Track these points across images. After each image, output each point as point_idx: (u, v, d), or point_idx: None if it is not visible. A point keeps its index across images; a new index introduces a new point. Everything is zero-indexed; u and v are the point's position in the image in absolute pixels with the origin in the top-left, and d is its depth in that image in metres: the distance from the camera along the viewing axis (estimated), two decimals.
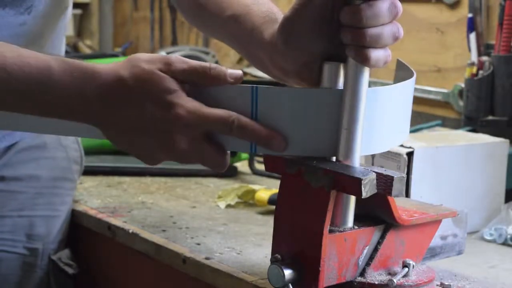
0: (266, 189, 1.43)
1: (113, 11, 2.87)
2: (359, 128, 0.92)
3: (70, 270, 1.39)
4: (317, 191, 0.92)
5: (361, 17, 0.89)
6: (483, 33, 1.65)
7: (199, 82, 0.93)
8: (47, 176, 1.37)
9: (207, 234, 1.26)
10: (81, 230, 1.42)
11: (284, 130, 0.93)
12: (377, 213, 0.98)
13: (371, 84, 0.94)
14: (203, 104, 0.92)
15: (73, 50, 2.64)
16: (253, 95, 0.93)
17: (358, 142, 0.93)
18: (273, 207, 1.24)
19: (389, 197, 0.95)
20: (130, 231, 1.29)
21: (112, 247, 1.36)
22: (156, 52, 2.52)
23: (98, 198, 1.48)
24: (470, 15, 1.66)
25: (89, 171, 1.59)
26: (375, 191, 0.90)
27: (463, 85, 1.64)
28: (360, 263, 0.97)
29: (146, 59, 0.93)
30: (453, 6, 1.74)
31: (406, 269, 0.99)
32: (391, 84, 1.00)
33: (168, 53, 2.33)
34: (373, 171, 0.91)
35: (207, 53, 2.37)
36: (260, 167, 1.66)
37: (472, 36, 1.64)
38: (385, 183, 0.90)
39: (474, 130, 1.51)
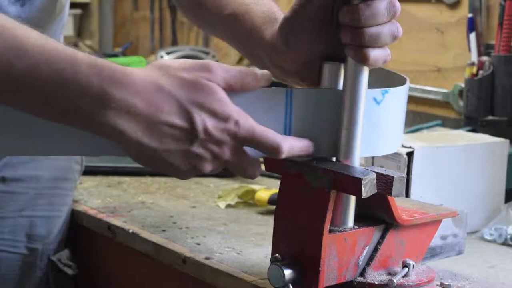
0: (266, 189, 1.43)
1: (113, 11, 2.88)
2: (359, 128, 0.92)
3: (69, 271, 1.39)
4: (317, 191, 0.92)
5: (360, 17, 0.89)
6: (483, 33, 1.65)
7: (235, 88, 0.91)
8: (48, 176, 1.37)
9: (207, 234, 1.26)
10: (81, 230, 1.42)
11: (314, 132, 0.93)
12: (377, 213, 0.98)
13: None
14: (254, 121, 0.90)
15: None
16: (287, 97, 0.92)
17: (358, 142, 0.93)
18: (273, 207, 1.24)
19: (389, 197, 0.95)
20: (130, 231, 1.29)
21: (112, 247, 1.36)
22: (156, 52, 2.52)
23: (98, 198, 1.48)
24: (470, 15, 1.66)
25: (89, 171, 1.59)
26: (375, 191, 0.90)
27: (463, 85, 1.64)
28: (360, 263, 0.97)
29: (181, 67, 0.88)
30: (453, 6, 1.74)
31: (406, 269, 0.99)
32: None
33: (168, 53, 2.34)
34: (373, 171, 0.91)
35: (207, 53, 2.37)
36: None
37: (472, 36, 1.65)
38: (385, 183, 0.90)
39: (474, 130, 1.51)
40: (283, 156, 0.90)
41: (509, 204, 1.30)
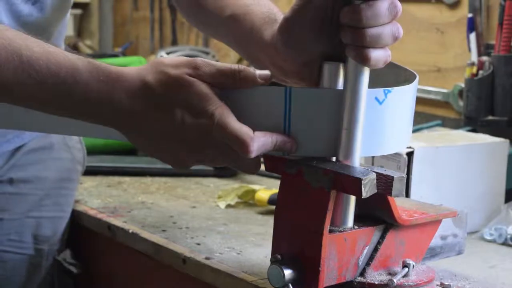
0: (266, 189, 1.43)
1: (113, 11, 2.87)
2: (359, 128, 0.92)
3: (74, 270, 1.39)
4: (317, 191, 0.92)
5: (361, 17, 0.89)
6: (483, 33, 1.65)
7: (228, 86, 0.92)
8: (54, 177, 1.37)
9: (207, 234, 1.26)
10: (81, 230, 1.42)
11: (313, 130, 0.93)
12: (377, 213, 0.98)
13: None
14: (232, 115, 0.91)
15: (73, 50, 2.64)
16: (286, 96, 0.92)
17: (358, 142, 0.93)
18: (273, 207, 1.24)
19: (389, 197, 0.95)
20: (130, 231, 1.29)
21: (112, 247, 1.36)
22: (156, 52, 2.52)
23: (98, 198, 1.48)
24: (470, 15, 1.66)
25: (89, 171, 1.59)
26: (375, 191, 0.90)
27: (463, 85, 1.64)
28: (360, 263, 0.97)
29: (171, 64, 0.92)
30: (453, 6, 1.74)
31: (406, 269, 0.99)
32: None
33: (168, 53, 2.34)
34: (373, 171, 0.91)
35: (207, 53, 2.37)
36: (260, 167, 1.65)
37: (472, 36, 1.64)
38: (385, 183, 0.90)
39: (474, 130, 1.51)
40: (253, 154, 0.91)
41: (509, 204, 1.30)
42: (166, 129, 0.92)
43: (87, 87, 0.91)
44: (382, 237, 0.98)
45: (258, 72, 0.93)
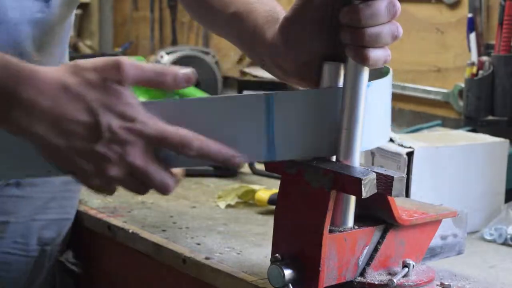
0: (266, 189, 1.43)
1: (113, 11, 2.87)
2: (359, 128, 0.92)
3: (77, 270, 1.39)
4: (317, 191, 0.92)
5: (360, 17, 0.89)
6: (483, 33, 1.65)
7: (150, 86, 0.90)
8: (60, 180, 1.37)
9: (207, 234, 1.26)
10: (81, 230, 1.42)
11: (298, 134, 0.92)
12: (377, 213, 0.98)
13: None
14: (165, 124, 0.88)
15: (73, 50, 2.64)
16: (268, 104, 0.91)
17: (358, 142, 0.93)
18: (273, 207, 1.24)
19: (389, 197, 0.95)
20: (130, 231, 1.29)
21: (112, 247, 1.36)
22: (156, 52, 2.52)
23: (98, 198, 1.48)
24: (470, 15, 1.66)
25: None
26: (375, 191, 0.90)
27: (463, 85, 1.64)
28: (360, 263, 0.97)
29: (91, 67, 0.87)
30: (453, 6, 1.74)
31: (406, 269, 0.99)
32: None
33: (168, 53, 2.33)
34: (373, 171, 0.91)
35: (207, 53, 2.37)
36: (260, 167, 1.66)
37: (472, 36, 1.64)
38: (385, 183, 0.90)
39: (474, 130, 1.51)
40: (194, 152, 0.88)
41: (509, 204, 1.30)
42: (89, 135, 0.87)
43: None
44: (382, 237, 0.98)
45: (182, 72, 0.90)
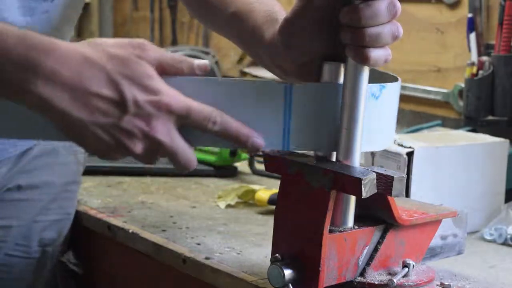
0: (266, 189, 1.43)
1: (113, 11, 2.87)
2: (359, 128, 0.92)
3: (78, 270, 1.39)
4: (317, 191, 0.92)
5: (360, 17, 0.89)
6: (483, 33, 1.65)
7: (168, 73, 0.89)
8: (60, 181, 1.37)
9: (207, 234, 1.26)
10: (81, 230, 1.42)
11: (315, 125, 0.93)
12: (377, 213, 0.98)
13: None
14: (189, 98, 0.89)
15: None
16: (286, 93, 0.92)
17: (358, 142, 0.93)
18: (273, 207, 1.24)
19: (389, 197, 0.95)
20: (130, 231, 1.29)
21: (112, 247, 1.36)
22: None
23: (98, 198, 1.48)
24: (470, 15, 1.66)
25: (89, 171, 1.59)
26: (375, 191, 0.90)
27: (463, 85, 1.64)
28: (360, 263, 0.97)
29: (113, 43, 0.87)
30: (453, 6, 1.74)
31: (406, 269, 0.99)
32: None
33: None
34: (373, 171, 0.91)
35: (207, 53, 2.37)
36: (260, 167, 1.66)
37: (472, 36, 1.65)
38: (385, 183, 0.90)
39: (474, 130, 1.51)
40: (217, 128, 0.88)
41: (509, 204, 1.30)
42: (113, 109, 0.85)
43: (14, 50, 0.83)
44: (382, 237, 0.98)
45: (197, 63, 0.90)
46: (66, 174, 1.38)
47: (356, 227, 0.96)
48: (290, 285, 0.93)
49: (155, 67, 0.88)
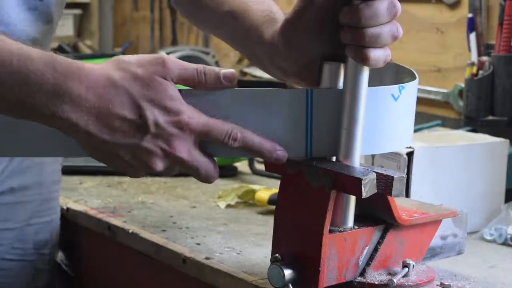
0: (266, 189, 1.43)
1: (113, 11, 2.87)
2: (359, 128, 0.92)
3: (69, 271, 1.39)
4: (317, 191, 0.92)
5: (360, 17, 0.89)
6: (483, 33, 1.65)
7: (191, 85, 0.92)
8: (49, 180, 1.37)
9: (207, 234, 1.26)
10: (81, 230, 1.42)
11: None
12: (377, 213, 0.98)
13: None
14: (208, 117, 0.91)
15: (73, 50, 2.64)
16: (307, 99, 0.92)
17: (358, 142, 0.93)
18: (273, 207, 1.24)
19: (389, 197, 0.95)
20: (130, 231, 1.29)
21: (112, 247, 1.36)
22: (156, 52, 2.52)
23: (98, 198, 1.48)
24: (470, 15, 1.66)
25: (89, 171, 1.59)
26: (375, 191, 0.90)
27: (463, 85, 1.64)
28: (360, 263, 0.97)
29: (136, 62, 0.89)
30: (453, 6, 1.74)
31: (406, 269, 0.99)
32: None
33: (168, 53, 2.33)
34: (373, 171, 0.91)
35: (207, 53, 2.37)
36: (260, 167, 1.66)
37: (472, 36, 1.64)
38: (385, 183, 0.90)
39: (474, 130, 1.51)
40: (237, 144, 0.91)
41: (509, 204, 1.30)
42: (131, 129, 0.88)
43: (42, 78, 0.86)
44: (382, 237, 0.98)
45: (223, 71, 0.92)
46: (53, 172, 1.38)
47: (356, 227, 0.96)
48: (290, 285, 0.93)
49: (178, 83, 0.90)
